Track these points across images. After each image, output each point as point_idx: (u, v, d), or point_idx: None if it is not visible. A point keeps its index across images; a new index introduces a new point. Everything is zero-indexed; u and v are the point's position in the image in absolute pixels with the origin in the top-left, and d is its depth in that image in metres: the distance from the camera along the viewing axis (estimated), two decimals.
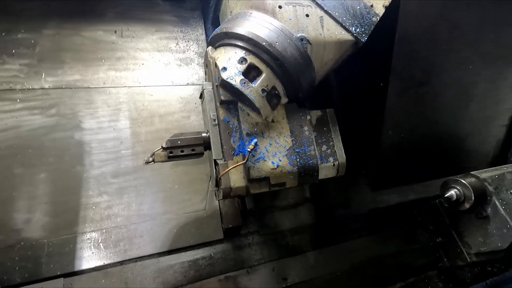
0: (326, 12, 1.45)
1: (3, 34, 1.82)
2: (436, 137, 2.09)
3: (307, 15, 1.43)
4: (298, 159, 1.47)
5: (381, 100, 1.80)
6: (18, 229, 1.58)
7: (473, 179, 1.73)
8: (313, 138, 1.55)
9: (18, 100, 1.76)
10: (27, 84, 1.80)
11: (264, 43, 1.34)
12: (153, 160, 1.44)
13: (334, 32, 1.45)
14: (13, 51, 1.82)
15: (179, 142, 1.45)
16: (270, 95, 1.42)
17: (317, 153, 1.53)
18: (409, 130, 1.96)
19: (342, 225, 2.18)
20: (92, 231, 1.69)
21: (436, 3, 1.68)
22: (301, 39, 1.39)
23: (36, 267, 1.55)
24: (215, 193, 1.54)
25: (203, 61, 2.17)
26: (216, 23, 1.99)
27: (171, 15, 2.25)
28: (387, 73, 1.73)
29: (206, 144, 1.47)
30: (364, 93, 1.97)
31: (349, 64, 1.61)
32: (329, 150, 1.59)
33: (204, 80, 2.10)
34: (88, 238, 1.67)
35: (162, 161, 1.45)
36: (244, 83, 1.33)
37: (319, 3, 1.45)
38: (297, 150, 1.48)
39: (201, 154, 1.50)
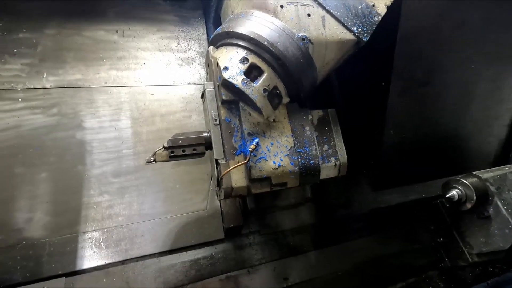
0: (328, 11, 1.45)
1: (4, 33, 1.82)
2: (438, 137, 2.09)
3: (308, 15, 1.43)
4: (299, 159, 1.46)
5: (382, 100, 1.80)
6: (19, 229, 1.59)
7: (475, 179, 1.73)
8: (315, 138, 1.54)
9: (19, 100, 1.76)
10: (28, 83, 1.80)
11: (265, 43, 1.34)
12: (155, 160, 1.44)
13: (336, 31, 1.45)
14: (15, 50, 1.82)
15: (180, 141, 1.44)
16: (272, 95, 1.41)
17: (318, 153, 1.53)
18: (411, 130, 1.95)
19: (343, 225, 2.18)
20: (94, 230, 1.69)
21: (438, 3, 1.68)
22: (303, 38, 1.39)
23: (37, 267, 1.55)
24: (216, 193, 1.53)
25: (204, 60, 2.17)
26: (218, 22, 1.98)
27: (172, 14, 2.25)
28: (389, 73, 1.72)
29: (207, 144, 1.47)
30: (366, 93, 1.96)
31: (350, 64, 1.61)
32: (330, 150, 1.58)
33: (205, 80, 2.09)
34: (90, 238, 1.68)
35: (163, 161, 1.45)
36: (246, 82, 1.33)
37: (321, 2, 1.44)
38: (298, 150, 1.48)
39: (202, 154, 1.50)
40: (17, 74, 1.79)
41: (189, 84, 2.13)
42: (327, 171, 1.57)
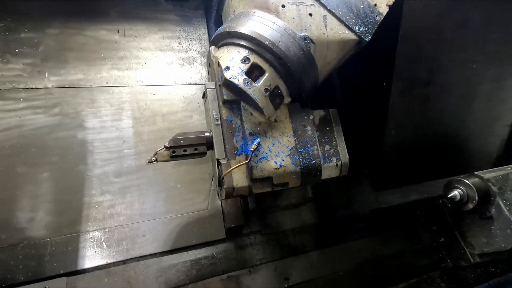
0: (329, 11, 1.45)
1: (6, 33, 1.83)
2: (439, 137, 2.08)
3: (310, 14, 1.43)
4: (301, 159, 1.46)
5: (384, 99, 1.79)
6: (21, 228, 1.59)
7: (476, 180, 1.72)
8: (316, 138, 1.54)
9: (21, 99, 1.76)
10: (30, 83, 1.80)
11: (267, 43, 1.34)
12: (156, 160, 1.44)
13: (337, 31, 1.44)
14: (17, 50, 1.82)
15: (181, 141, 1.45)
16: (273, 95, 1.41)
17: (320, 153, 1.53)
18: (412, 130, 1.95)
19: (344, 225, 2.18)
20: (95, 230, 1.69)
21: (439, 2, 1.67)
22: (304, 38, 1.39)
23: (39, 266, 1.55)
24: (218, 193, 1.54)
25: (205, 60, 2.16)
26: (219, 22, 1.98)
27: (173, 14, 2.25)
28: (390, 73, 1.72)
29: (208, 144, 1.47)
30: (367, 93, 1.96)
31: (352, 64, 1.60)
32: (332, 150, 1.58)
33: (206, 80, 2.10)
34: (91, 237, 1.68)
35: (164, 161, 1.45)
36: (247, 82, 1.33)
37: (323, 2, 1.44)
38: (300, 150, 1.48)
39: (203, 154, 1.50)
40: (19, 74, 1.80)
41: (190, 84, 2.14)
42: (329, 171, 1.56)
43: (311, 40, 1.40)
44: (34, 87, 1.80)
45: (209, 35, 2.28)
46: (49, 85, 1.83)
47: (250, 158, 1.36)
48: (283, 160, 1.43)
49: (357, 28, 1.46)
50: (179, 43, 2.21)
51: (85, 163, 1.78)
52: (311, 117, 1.56)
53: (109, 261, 1.66)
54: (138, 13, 2.15)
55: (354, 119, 1.93)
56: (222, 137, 1.42)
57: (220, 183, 1.43)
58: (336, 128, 1.62)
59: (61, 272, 1.57)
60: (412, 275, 2.06)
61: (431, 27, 1.73)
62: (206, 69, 2.04)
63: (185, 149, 1.45)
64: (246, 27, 1.38)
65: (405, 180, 2.19)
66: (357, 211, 2.25)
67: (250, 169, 1.38)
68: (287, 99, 1.48)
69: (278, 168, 1.41)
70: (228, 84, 1.37)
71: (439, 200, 2.16)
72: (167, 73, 2.10)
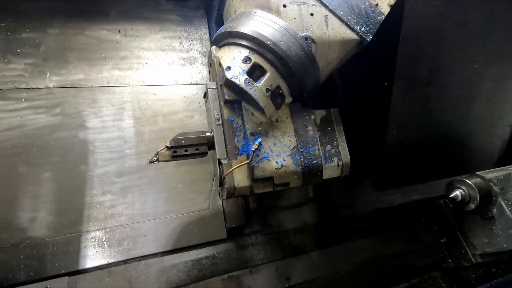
0: (331, 11, 1.44)
1: (8, 33, 1.83)
2: (441, 136, 2.08)
3: (311, 14, 1.43)
4: (302, 159, 1.46)
5: (385, 99, 1.79)
6: (23, 228, 1.59)
7: (478, 180, 1.72)
8: (317, 138, 1.54)
9: (22, 99, 1.76)
10: (31, 83, 1.80)
11: (268, 42, 1.34)
12: (157, 160, 1.44)
13: (339, 31, 1.44)
14: (18, 50, 1.83)
15: (183, 141, 1.45)
16: (274, 95, 1.41)
17: (321, 153, 1.53)
18: (414, 129, 1.95)
19: (345, 225, 2.18)
20: (96, 230, 1.70)
21: (441, 2, 1.67)
22: (306, 38, 1.38)
23: (40, 266, 1.56)
24: (219, 193, 1.53)
25: (206, 60, 2.16)
26: (220, 22, 1.98)
27: (174, 14, 2.25)
28: (392, 73, 1.72)
29: (210, 144, 1.47)
30: (369, 93, 1.96)
31: (353, 63, 1.60)
32: (333, 150, 1.58)
33: (207, 80, 2.10)
34: (92, 237, 1.68)
35: (166, 161, 1.45)
36: (249, 82, 1.33)
37: (324, 2, 1.44)
38: (301, 150, 1.47)
39: (205, 154, 1.50)
40: (20, 74, 1.80)
41: (191, 83, 2.14)
42: (330, 171, 1.56)
43: (313, 40, 1.40)
44: (35, 87, 1.80)
45: (210, 35, 2.28)
46: (51, 85, 1.83)
47: (251, 158, 1.36)
48: (284, 160, 1.43)
49: (358, 28, 1.45)
50: (180, 43, 2.21)
51: (86, 163, 1.78)
52: (313, 117, 1.56)
53: (110, 261, 1.66)
54: (139, 13, 2.15)
55: (356, 119, 1.93)
56: (223, 137, 1.42)
57: (221, 183, 1.43)
58: (337, 128, 1.62)
59: (63, 271, 1.57)
60: (414, 275, 2.06)
61: (432, 27, 1.73)
62: (207, 69, 2.05)
63: (186, 149, 1.45)
64: (247, 27, 1.38)
65: (406, 180, 2.18)
66: (358, 211, 2.25)
67: (251, 169, 1.38)
68: (288, 99, 1.48)
69: (280, 168, 1.41)
70: (230, 84, 1.37)
71: (441, 200, 2.16)
72: (168, 73, 2.10)
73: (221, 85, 1.42)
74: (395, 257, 2.10)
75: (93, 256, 1.65)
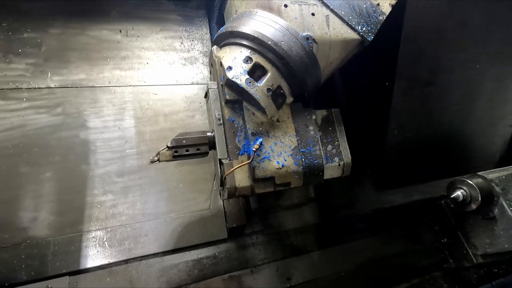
0: (332, 10, 1.44)
1: (9, 33, 1.83)
2: (442, 136, 2.08)
3: (313, 14, 1.42)
4: (303, 159, 1.46)
5: (386, 99, 1.79)
6: (24, 228, 1.59)
7: (479, 180, 1.71)
8: (319, 138, 1.54)
9: (24, 99, 1.77)
10: (33, 83, 1.81)
11: (269, 42, 1.33)
12: (158, 159, 1.44)
13: (340, 31, 1.44)
14: (19, 50, 1.83)
15: (184, 141, 1.45)
16: (276, 95, 1.41)
17: (322, 153, 1.52)
18: (414, 129, 1.94)
19: (346, 225, 2.18)
20: (97, 229, 1.70)
21: (442, 2, 1.67)
22: (307, 38, 1.38)
23: (42, 265, 1.56)
24: (220, 193, 1.54)
25: (207, 60, 2.17)
26: (221, 22, 1.98)
27: (175, 14, 2.25)
28: (393, 72, 1.71)
29: (211, 144, 1.47)
30: (370, 93, 1.96)
31: (354, 63, 1.60)
32: (334, 150, 1.58)
33: (208, 79, 2.10)
34: (93, 237, 1.68)
35: (167, 161, 1.45)
36: (250, 82, 1.33)
37: (325, 1, 1.44)
38: (302, 150, 1.47)
39: (206, 154, 1.50)
40: (21, 73, 1.80)
41: (192, 83, 2.14)
42: (331, 171, 1.56)
43: (314, 39, 1.39)
44: (36, 87, 1.81)
45: (211, 34, 2.28)
46: (52, 85, 1.84)
47: (252, 158, 1.36)
48: (285, 160, 1.43)
49: (359, 27, 1.45)
50: (181, 43, 2.21)
51: (88, 162, 1.78)
52: (314, 117, 1.56)
53: (111, 261, 1.67)
54: (140, 13, 2.15)
55: (357, 119, 1.93)
56: (224, 137, 1.42)
57: (222, 183, 1.43)
58: (338, 128, 1.61)
59: (64, 271, 1.58)
60: (415, 276, 2.06)
61: (434, 26, 1.73)
62: (208, 69, 2.05)
63: (187, 149, 1.45)
64: (248, 27, 1.38)
65: (407, 180, 2.18)
66: (359, 211, 2.25)
67: (252, 169, 1.38)
68: (289, 99, 1.47)
69: (280, 168, 1.41)
70: (231, 84, 1.37)
71: (442, 200, 2.16)
72: (169, 73, 2.11)
73: (222, 85, 1.42)
74: (396, 257, 2.10)
75: (94, 256, 1.65)
